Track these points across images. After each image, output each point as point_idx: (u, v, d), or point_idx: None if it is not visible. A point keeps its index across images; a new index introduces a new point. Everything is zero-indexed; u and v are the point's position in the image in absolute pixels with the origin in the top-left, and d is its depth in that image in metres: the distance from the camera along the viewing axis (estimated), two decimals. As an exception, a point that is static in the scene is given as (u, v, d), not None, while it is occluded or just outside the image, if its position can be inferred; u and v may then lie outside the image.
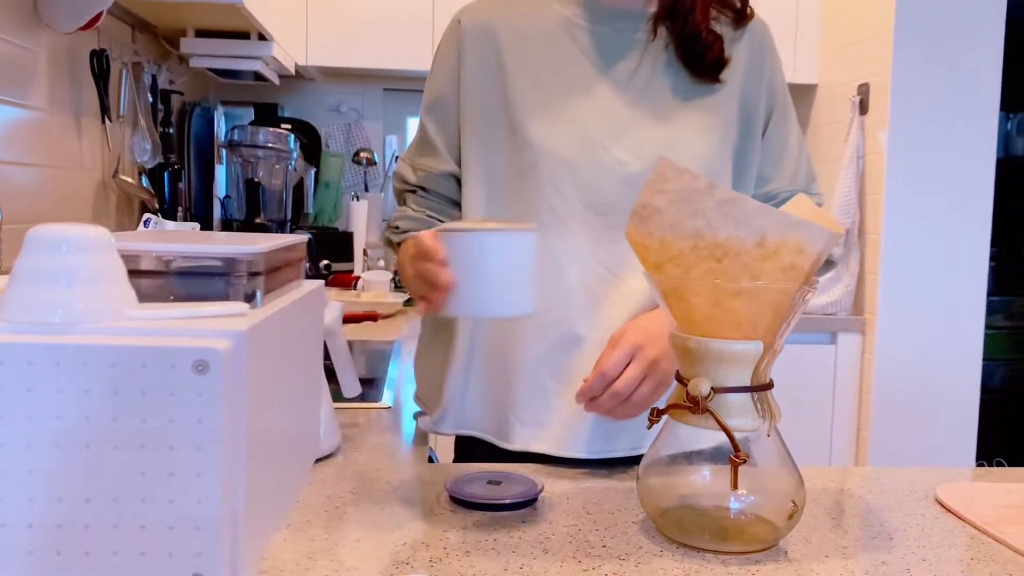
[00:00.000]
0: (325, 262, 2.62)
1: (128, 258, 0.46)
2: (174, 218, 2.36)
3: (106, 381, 0.39)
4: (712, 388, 0.75)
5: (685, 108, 1.03)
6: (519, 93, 1.02)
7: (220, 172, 2.68)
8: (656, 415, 0.79)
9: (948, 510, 0.89)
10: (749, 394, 0.76)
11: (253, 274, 0.44)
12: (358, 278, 2.55)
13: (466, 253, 0.78)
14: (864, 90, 2.64)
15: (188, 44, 2.37)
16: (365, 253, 2.73)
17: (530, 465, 0.99)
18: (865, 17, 2.65)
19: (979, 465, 2.78)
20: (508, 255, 0.78)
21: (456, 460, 1.12)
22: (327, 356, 1.10)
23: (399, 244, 1.06)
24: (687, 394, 0.76)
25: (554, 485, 0.92)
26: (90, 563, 0.40)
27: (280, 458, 0.47)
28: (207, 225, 2.65)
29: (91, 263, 0.46)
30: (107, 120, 1.99)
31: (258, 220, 2.34)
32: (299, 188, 2.82)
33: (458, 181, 1.08)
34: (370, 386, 1.43)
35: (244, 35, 2.39)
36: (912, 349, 2.57)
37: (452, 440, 1.15)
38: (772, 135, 1.08)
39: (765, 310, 0.74)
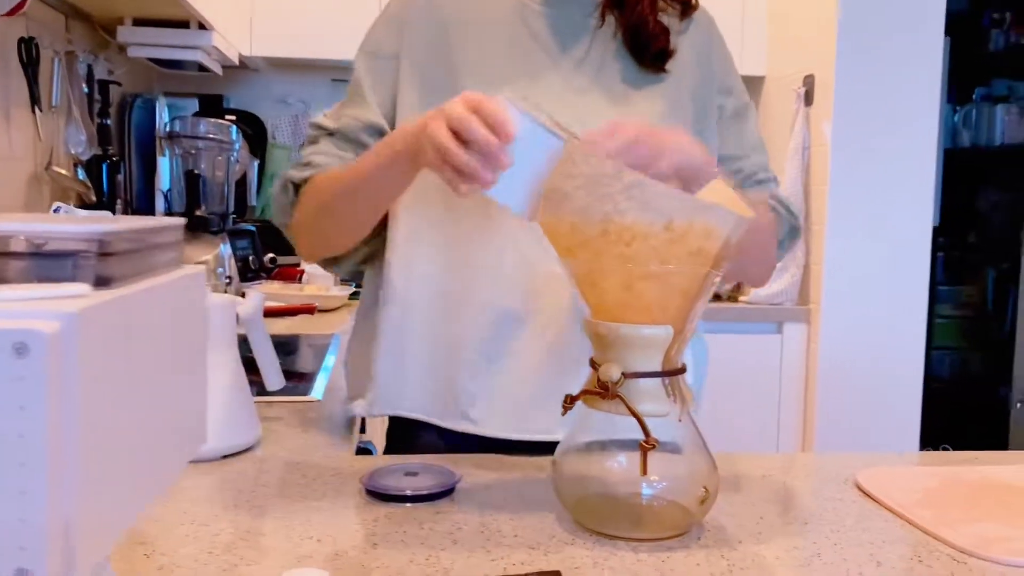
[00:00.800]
0: (271, 255, 2.58)
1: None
2: (113, 211, 2.30)
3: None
4: (622, 373, 0.74)
5: (636, 94, 1.02)
6: (466, 72, 1.00)
7: (162, 165, 2.62)
8: (569, 401, 0.78)
9: (867, 495, 0.89)
10: (660, 379, 0.75)
11: (104, 255, 0.42)
12: (303, 271, 2.52)
13: (536, 148, 0.78)
14: (809, 82, 2.66)
15: (125, 33, 2.32)
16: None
17: (454, 456, 0.98)
18: (810, 8, 2.67)
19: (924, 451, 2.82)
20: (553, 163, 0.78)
21: (392, 449, 1.09)
22: (249, 349, 1.08)
23: (303, 182, 1.01)
24: (598, 380, 0.75)
25: (475, 475, 0.91)
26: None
27: (137, 450, 0.45)
28: (149, 218, 2.59)
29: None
30: (37, 110, 1.93)
31: (198, 213, 2.29)
32: (244, 181, 2.78)
33: (381, 135, 1.02)
34: (303, 379, 1.40)
35: (184, 24, 2.34)
36: (857, 338, 2.60)
37: (387, 432, 1.12)
38: (723, 115, 1.07)
39: (675, 294, 0.74)
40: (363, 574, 0.68)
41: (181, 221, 0.54)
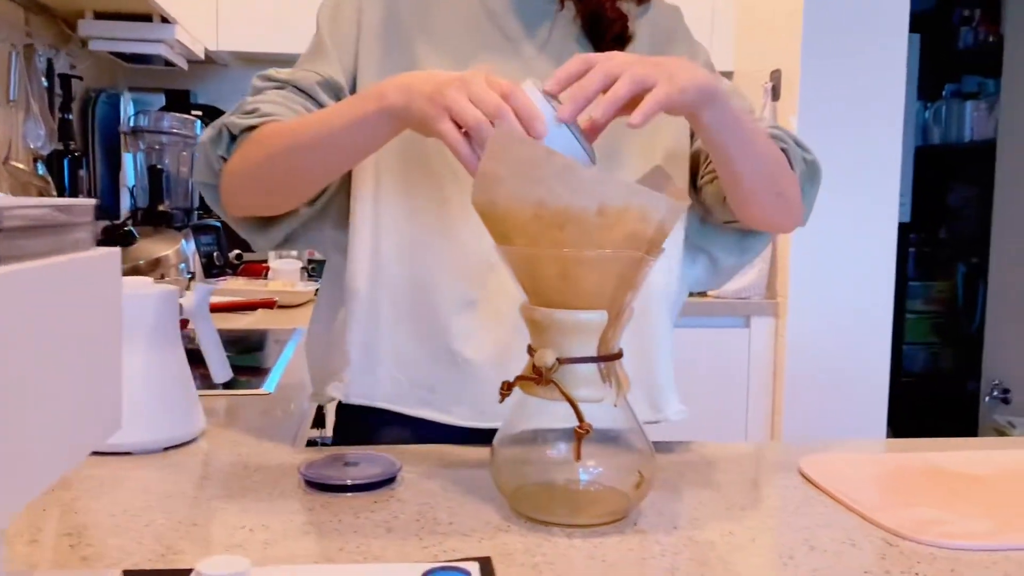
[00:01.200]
0: (236, 252, 2.56)
1: None
2: (74, 207, 2.27)
3: None
4: (557, 359, 0.73)
5: None
6: (425, 57, 0.99)
7: (127, 160, 2.60)
8: (506, 388, 0.77)
9: (810, 481, 0.89)
10: (596, 364, 0.75)
11: (-10, 231, 0.41)
12: (268, 268, 2.50)
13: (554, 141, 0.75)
14: (776, 76, 2.67)
15: (86, 27, 2.29)
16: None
17: (399, 447, 0.97)
18: (776, 3, 2.68)
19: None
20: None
21: (355, 440, 1.06)
22: (194, 340, 1.07)
23: (246, 131, 0.90)
24: (532, 366, 0.74)
25: (418, 466, 0.90)
26: None
27: (31, 429, 0.44)
28: (115, 214, 2.57)
29: None
30: (-7, 103, 1.91)
31: (161, 208, 2.27)
32: (211, 176, 2.75)
33: (338, 99, 0.96)
34: (258, 374, 1.39)
35: (147, 18, 2.32)
36: (824, 331, 2.61)
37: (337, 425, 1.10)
38: None
39: (610, 279, 0.73)
40: (290, 561, 0.67)
41: (91, 202, 0.53)
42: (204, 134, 0.94)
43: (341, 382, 1.00)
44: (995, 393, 3.67)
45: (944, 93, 4.22)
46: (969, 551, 0.72)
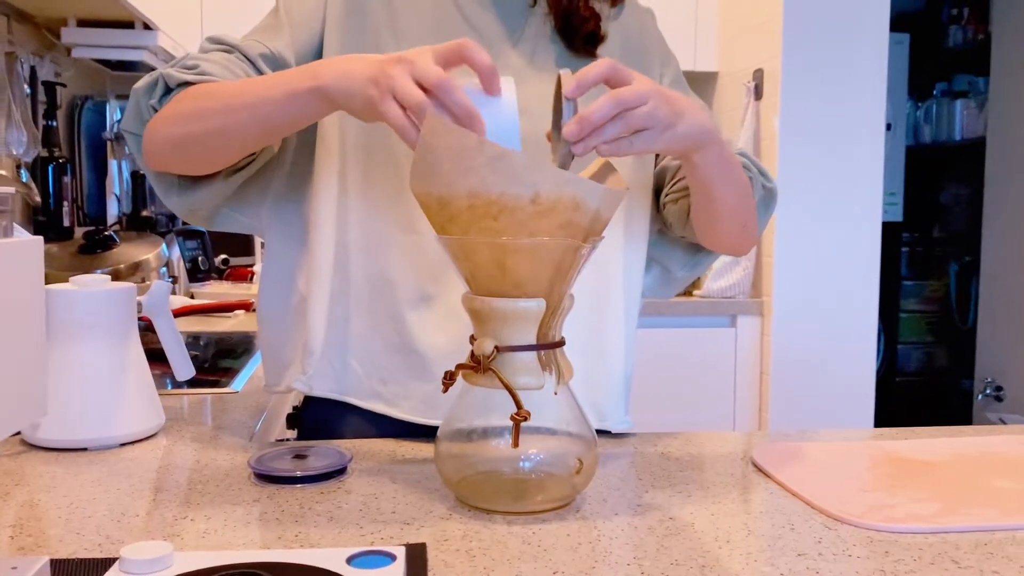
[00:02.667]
0: (223, 256, 2.57)
1: None
2: (60, 212, 2.29)
3: None
4: (495, 347, 0.74)
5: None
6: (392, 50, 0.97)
7: (114, 167, 2.61)
8: (448, 378, 0.78)
9: (760, 470, 0.89)
10: (535, 352, 0.75)
11: None
12: (254, 272, 2.51)
13: (508, 124, 0.75)
14: (759, 76, 2.68)
15: (69, 34, 2.30)
16: (263, 247, 2.68)
17: (352, 441, 0.98)
18: (758, 2, 2.68)
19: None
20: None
21: (320, 435, 1.06)
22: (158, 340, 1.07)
23: (181, 86, 0.89)
24: (471, 354, 0.75)
25: (371, 458, 0.91)
26: None
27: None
28: (101, 220, 2.58)
29: None
30: (-27, 110, 1.92)
31: (144, 213, 2.28)
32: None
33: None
34: (228, 374, 1.39)
35: (129, 24, 2.33)
36: (810, 330, 2.61)
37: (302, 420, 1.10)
38: None
39: (546, 267, 0.74)
40: (225, 549, 0.67)
41: (7, 190, 0.54)
42: (140, 82, 0.91)
43: (304, 374, 0.99)
44: (988, 391, 3.67)
45: (935, 92, 4.22)
46: (908, 534, 0.72)
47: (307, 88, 0.80)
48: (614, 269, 1.03)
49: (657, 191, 1.08)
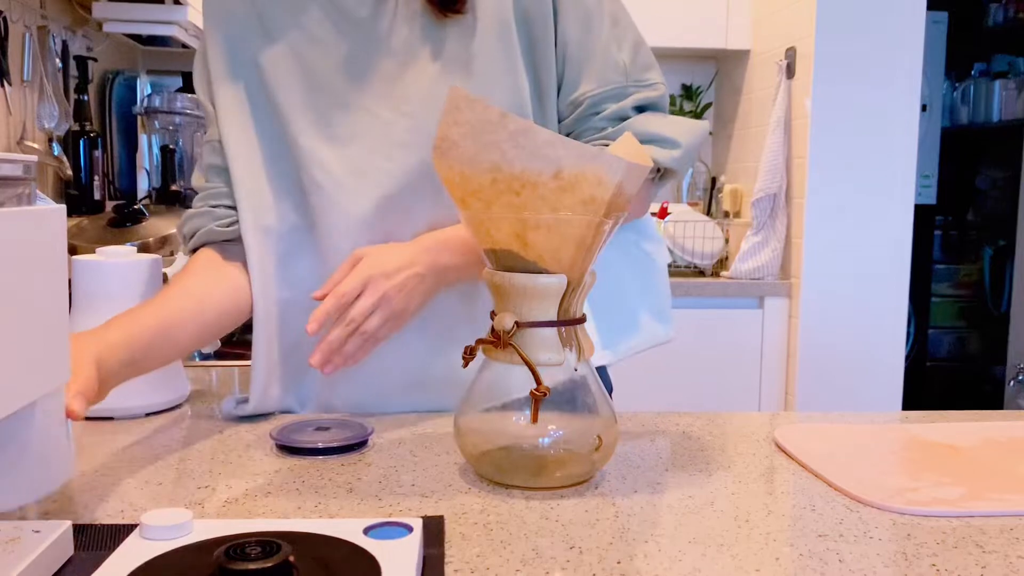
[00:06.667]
0: (251, 232, 2.57)
1: None
2: (91, 186, 2.31)
3: None
4: (516, 323, 0.74)
5: (444, 53, 0.94)
6: (269, 61, 0.98)
7: (144, 141, 2.63)
8: (469, 352, 0.78)
9: (782, 450, 0.89)
10: (555, 328, 0.75)
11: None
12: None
13: None
14: (791, 54, 2.64)
15: (100, 9, 2.32)
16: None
17: (375, 415, 0.98)
18: (792, -20, 2.64)
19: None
20: None
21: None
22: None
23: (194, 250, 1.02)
24: (492, 329, 0.75)
25: (392, 430, 0.91)
26: None
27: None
28: (131, 194, 2.60)
29: None
30: (6, 84, 1.94)
31: (173, 187, 2.30)
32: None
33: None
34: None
35: (160, 0, 2.34)
36: (838, 312, 2.58)
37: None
38: (564, 36, 0.96)
39: (568, 243, 0.73)
40: (246, 517, 0.68)
41: (30, 158, 0.54)
42: (184, 216, 1.05)
43: (247, 403, 0.98)
44: (1020, 377, 3.61)
45: (973, 72, 4.13)
46: (932, 517, 0.71)
47: None
48: None
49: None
